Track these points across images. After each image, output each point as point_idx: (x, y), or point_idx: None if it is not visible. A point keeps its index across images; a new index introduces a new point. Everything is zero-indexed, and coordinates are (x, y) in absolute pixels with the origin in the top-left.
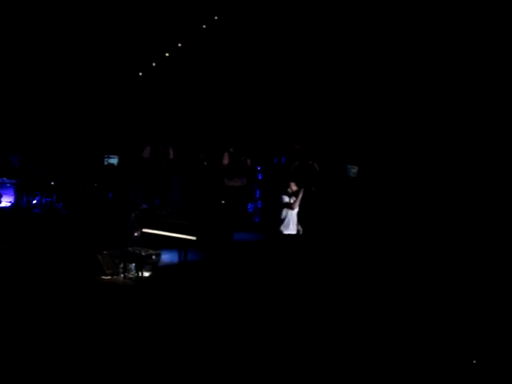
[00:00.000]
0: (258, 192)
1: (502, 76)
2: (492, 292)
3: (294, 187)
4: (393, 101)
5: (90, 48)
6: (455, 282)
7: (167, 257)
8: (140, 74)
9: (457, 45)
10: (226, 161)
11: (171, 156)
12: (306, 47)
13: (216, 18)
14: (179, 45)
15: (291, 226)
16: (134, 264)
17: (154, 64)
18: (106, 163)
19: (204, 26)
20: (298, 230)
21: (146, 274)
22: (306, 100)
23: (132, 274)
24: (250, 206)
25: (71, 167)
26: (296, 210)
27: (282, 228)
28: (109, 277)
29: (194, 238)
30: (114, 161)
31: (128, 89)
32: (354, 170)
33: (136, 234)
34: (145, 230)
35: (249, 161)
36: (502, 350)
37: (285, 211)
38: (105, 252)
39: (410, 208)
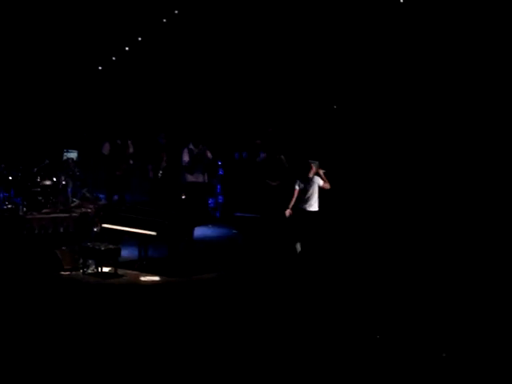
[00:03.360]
0: (218, 187)
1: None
2: (461, 285)
3: (314, 168)
4: (353, 96)
5: (48, 40)
6: (425, 276)
7: (127, 252)
8: (99, 67)
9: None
10: (186, 157)
11: (131, 150)
12: (265, 43)
13: (176, 12)
14: (139, 39)
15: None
16: (93, 259)
17: (113, 58)
18: (64, 158)
19: (164, 20)
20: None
21: (106, 270)
22: (266, 95)
23: (91, 270)
24: (210, 201)
25: (29, 162)
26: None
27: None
28: (68, 272)
29: (154, 233)
30: (74, 155)
31: (87, 82)
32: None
33: (95, 230)
34: (104, 226)
35: (209, 154)
36: (471, 343)
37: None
38: (64, 248)
39: (372, 203)
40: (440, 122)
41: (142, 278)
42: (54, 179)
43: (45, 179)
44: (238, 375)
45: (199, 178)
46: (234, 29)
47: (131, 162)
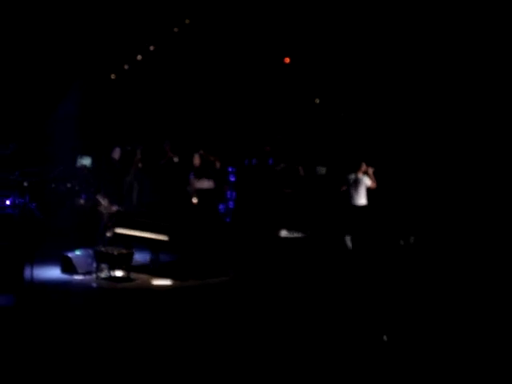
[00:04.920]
0: (229, 193)
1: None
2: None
3: (364, 167)
4: (360, 103)
5: (63, 48)
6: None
7: (140, 255)
8: (112, 76)
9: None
10: (196, 162)
11: (138, 157)
12: (273, 51)
13: (187, 21)
14: (151, 48)
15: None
16: (106, 264)
17: (126, 67)
18: (78, 164)
19: (176, 30)
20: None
21: (119, 274)
22: (275, 103)
23: (105, 274)
24: (221, 206)
25: (44, 168)
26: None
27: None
28: (81, 276)
29: (166, 237)
30: (87, 161)
31: (100, 90)
32: (322, 171)
33: (108, 234)
34: (117, 230)
35: (218, 163)
36: (411, 326)
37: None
38: (78, 252)
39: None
40: (444, 123)
41: (155, 282)
42: (69, 185)
43: (59, 185)
44: (248, 379)
45: (204, 184)
46: (243, 37)
47: (140, 165)
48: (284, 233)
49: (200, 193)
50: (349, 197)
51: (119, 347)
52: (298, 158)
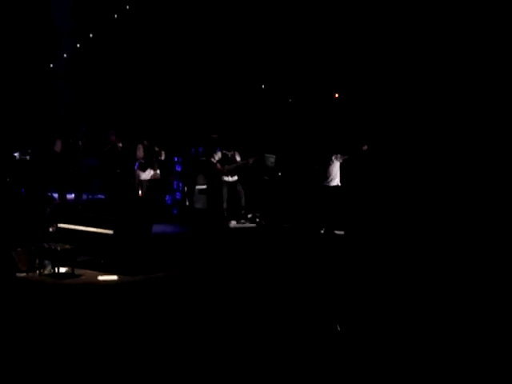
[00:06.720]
0: (175, 183)
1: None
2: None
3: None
4: (310, 89)
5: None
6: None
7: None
8: (51, 65)
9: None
10: (140, 153)
11: (81, 149)
12: (221, 37)
13: (127, 7)
14: (90, 35)
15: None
16: (49, 260)
17: (65, 55)
18: (17, 157)
19: (116, 16)
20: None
21: (63, 270)
22: (221, 90)
23: (48, 271)
24: (167, 198)
25: None
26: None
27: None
28: (24, 274)
29: (110, 231)
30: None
31: (37, 80)
32: (271, 159)
33: (51, 230)
34: (60, 225)
35: (163, 154)
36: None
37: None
38: (19, 249)
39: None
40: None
41: (100, 278)
42: (8, 179)
43: None
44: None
45: (150, 174)
46: (188, 25)
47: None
48: (234, 223)
49: (146, 184)
50: (322, 179)
51: (63, 344)
52: (233, 145)
